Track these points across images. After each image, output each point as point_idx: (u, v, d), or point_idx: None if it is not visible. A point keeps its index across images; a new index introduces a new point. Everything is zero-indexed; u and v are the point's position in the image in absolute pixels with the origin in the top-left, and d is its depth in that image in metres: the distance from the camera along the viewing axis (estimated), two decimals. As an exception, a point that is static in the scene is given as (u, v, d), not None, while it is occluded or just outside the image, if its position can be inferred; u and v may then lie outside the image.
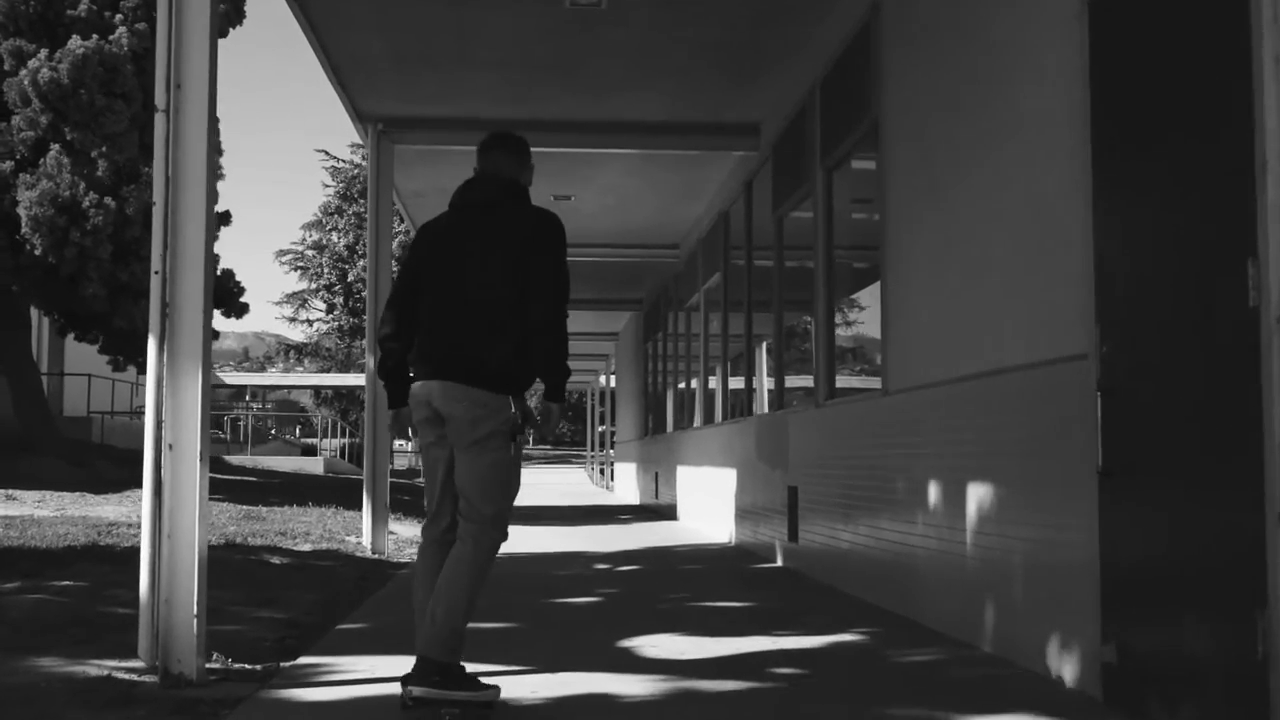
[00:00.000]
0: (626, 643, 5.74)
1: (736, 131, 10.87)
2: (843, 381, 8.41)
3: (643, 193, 13.54)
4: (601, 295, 22.00)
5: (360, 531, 11.18)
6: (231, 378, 47.84)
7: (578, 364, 35.70)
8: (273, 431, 45.86)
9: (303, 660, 5.29)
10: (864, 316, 8.21)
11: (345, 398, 71.81)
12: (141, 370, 19.17)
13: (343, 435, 46.24)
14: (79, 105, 14.53)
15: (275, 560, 9.18)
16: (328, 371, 56.51)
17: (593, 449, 43.62)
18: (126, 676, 4.65)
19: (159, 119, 4.66)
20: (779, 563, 9.63)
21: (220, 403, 52.14)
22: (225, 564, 8.71)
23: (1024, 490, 4.95)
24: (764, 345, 11.33)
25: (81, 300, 15.72)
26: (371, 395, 10.58)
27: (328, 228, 53.25)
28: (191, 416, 4.61)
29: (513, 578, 8.84)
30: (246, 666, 5.13)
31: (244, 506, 15.07)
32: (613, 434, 33.84)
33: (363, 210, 54.34)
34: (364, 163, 51.51)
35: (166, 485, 4.59)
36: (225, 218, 20.15)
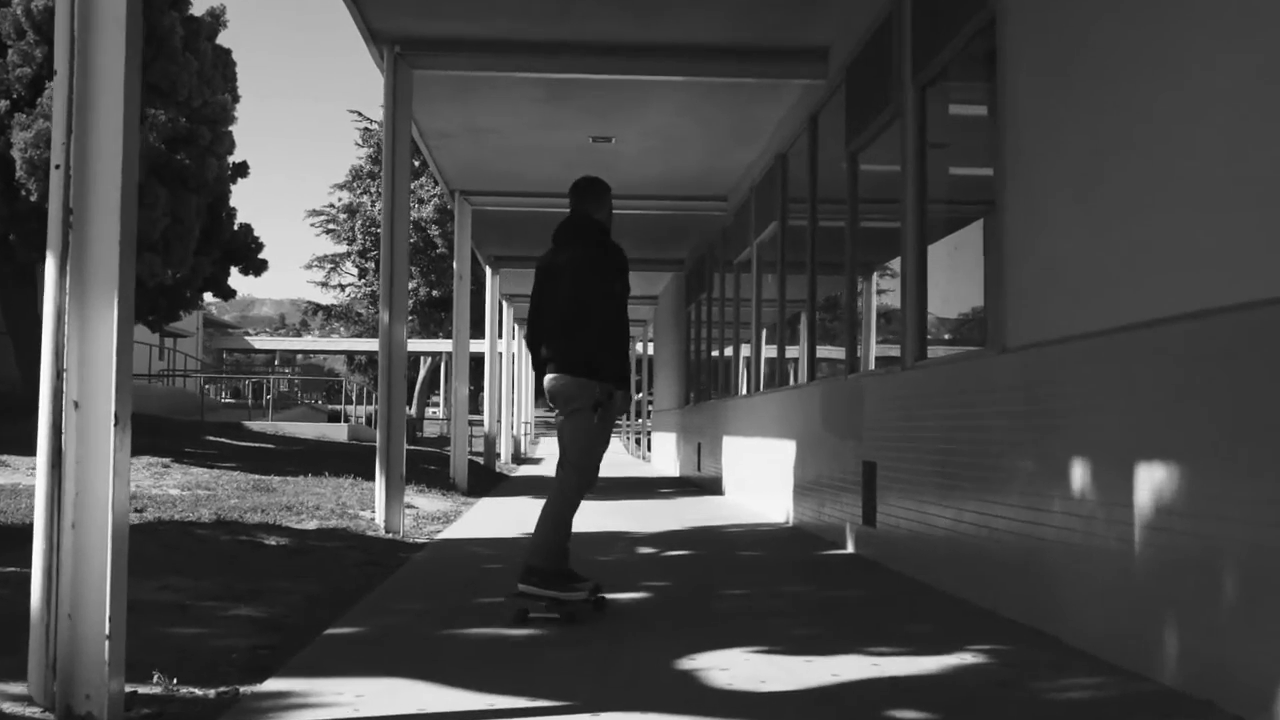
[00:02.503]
0: (688, 663, 4.48)
1: (801, 57, 9.52)
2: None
3: (691, 135, 12.21)
4: (641, 255, 20.66)
5: (376, 506, 9.98)
6: (260, 342, 46.89)
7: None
8: (302, 397, 44.84)
9: (270, 685, 4.07)
10: (943, 270, 6.91)
11: (379, 364, 71.02)
12: (153, 328, 18.08)
13: (372, 402, 45.27)
14: (75, 37, 13.31)
15: (271, 541, 7.99)
16: (360, 337, 55.53)
17: (628, 418, 42.55)
18: (12, 711, 3.44)
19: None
20: (849, 549, 8.36)
21: (243, 368, 51.34)
22: (209, 547, 7.52)
23: (1233, 468, 3.64)
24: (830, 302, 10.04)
25: (83, 252, 14.58)
26: (385, 358, 9.35)
27: (359, 191, 51.97)
28: (105, 366, 3.37)
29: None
30: (195, 693, 3.92)
31: (255, 476, 13.94)
32: (649, 402, 32.57)
33: (395, 173, 53.25)
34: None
35: (69, 457, 3.35)
36: (242, 169, 18.99)
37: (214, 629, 5.14)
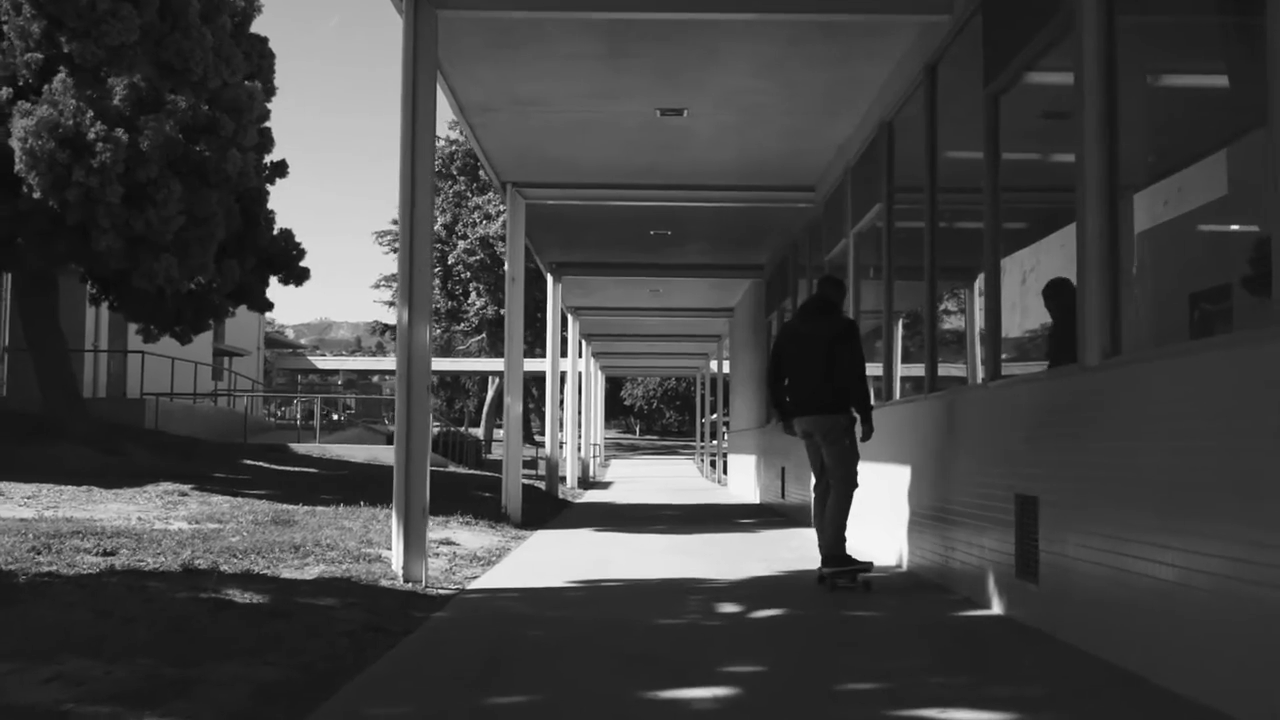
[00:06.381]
0: None
1: (919, -14, 7.65)
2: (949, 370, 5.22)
3: (773, 104, 10.32)
4: (715, 260, 18.85)
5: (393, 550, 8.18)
6: (324, 362, 45.71)
7: (686, 346, 32.63)
8: (354, 418, 43.36)
9: None
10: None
11: (450, 385, 69.71)
12: (183, 341, 16.52)
13: (440, 425, 43.79)
14: (75, 9, 11.73)
15: (243, 598, 6.22)
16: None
17: (701, 439, 40.69)
18: None
19: None
20: (995, 608, 6.40)
21: (314, 388, 50.15)
22: (155, 610, 5.76)
23: None
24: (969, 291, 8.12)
25: (94, 255, 12.98)
26: (404, 365, 7.58)
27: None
28: None
29: (597, 632, 5.77)
30: None
31: (281, 506, 12.28)
32: (725, 423, 30.64)
33: (462, 189, 52.02)
34: (460, 137, 49.19)
35: None
36: (280, 168, 17.43)
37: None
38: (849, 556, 7.56)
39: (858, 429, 7.69)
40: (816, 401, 7.67)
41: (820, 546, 7.67)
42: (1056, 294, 6.11)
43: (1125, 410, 4.82)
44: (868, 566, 7.58)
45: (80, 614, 5.56)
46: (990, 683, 4.64)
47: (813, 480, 8.11)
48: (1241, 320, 4.48)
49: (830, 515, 7.58)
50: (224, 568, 7.33)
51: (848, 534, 7.59)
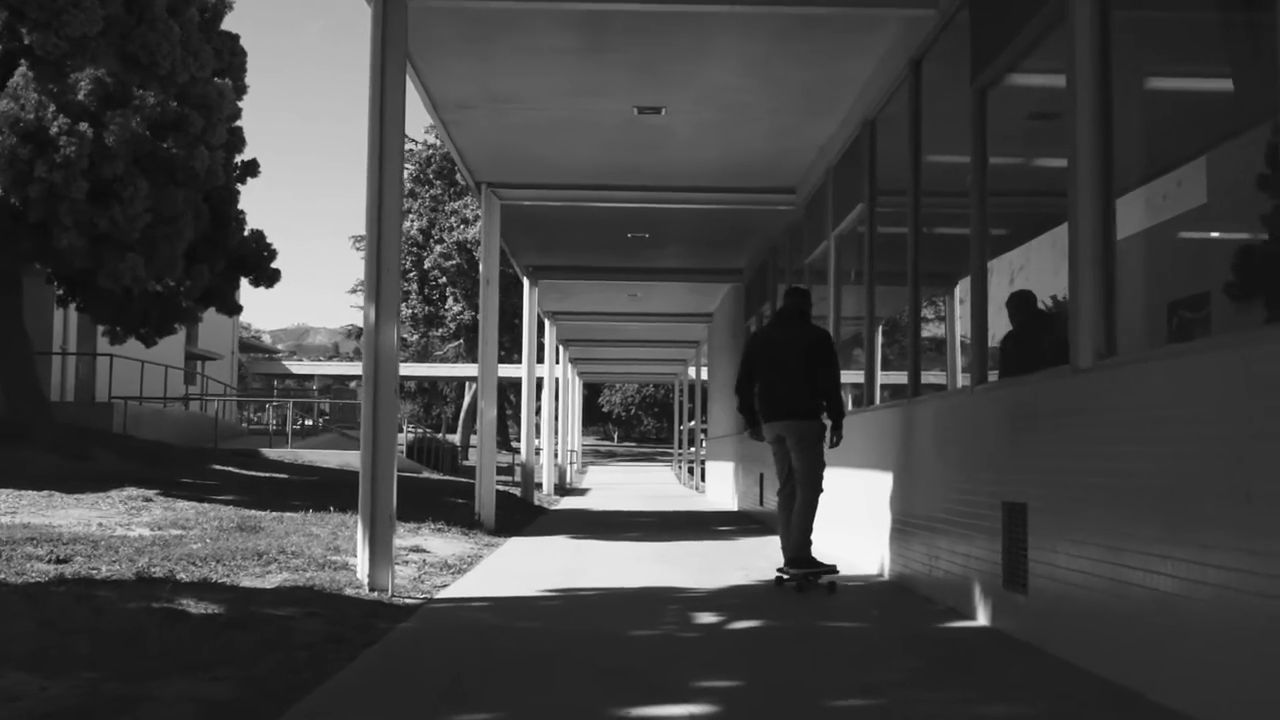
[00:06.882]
0: None
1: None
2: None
3: (754, 102, 10.10)
4: (694, 264, 18.62)
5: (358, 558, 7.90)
6: (299, 367, 45.28)
7: (665, 352, 32.39)
8: (328, 423, 42.84)
9: None
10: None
11: (427, 391, 69.05)
12: (148, 343, 16.16)
13: (415, 430, 43.38)
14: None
15: (198, 608, 5.94)
16: (404, 363, 53.83)
17: (679, 446, 40.45)
18: None
19: None
20: (981, 619, 6.18)
21: (263, 392, 49.52)
22: (105, 620, 5.49)
23: None
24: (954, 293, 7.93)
25: (57, 254, 12.63)
26: (371, 366, 7.31)
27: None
28: None
29: (569, 644, 5.52)
30: None
31: (248, 512, 11.97)
32: (703, 430, 30.40)
33: (439, 192, 51.62)
34: (437, 141, 48.85)
35: None
36: (251, 168, 17.11)
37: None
38: (815, 559, 7.77)
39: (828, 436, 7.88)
40: (791, 408, 7.82)
41: (785, 549, 7.87)
42: (1019, 306, 6.30)
43: (1123, 414, 4.60)
44: (833, 569, 7.73)
45: (22, 625, 5.29)
46: (982, 699, 4.42)
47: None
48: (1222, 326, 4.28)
49: (798, 519, 7.75)
50: (181, 576, 7.05)
51: (813, 537, 7.80)
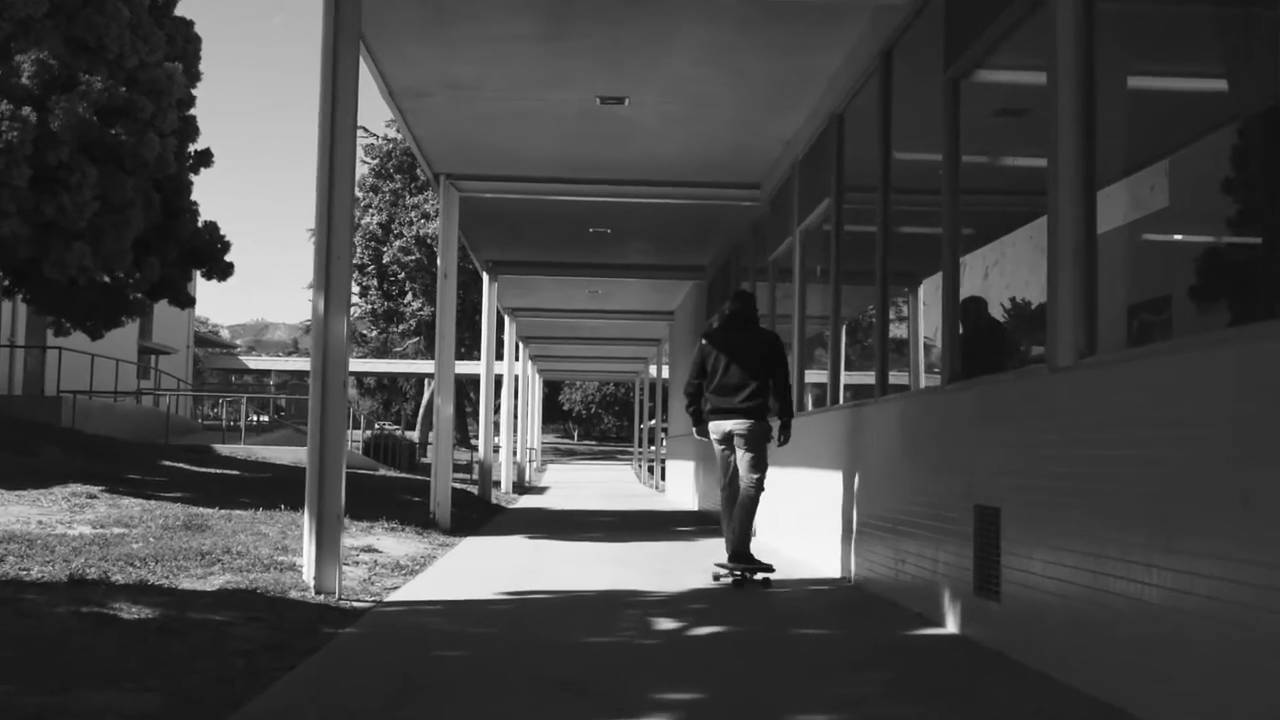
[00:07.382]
0: None
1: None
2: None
3: (720, 95, 9.87)
4: (656, 260, 18.38)
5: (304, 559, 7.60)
6: (256, 362, 44.66)
7: (626, 349, 32.11)
8: (285, 418, 42.28)
9: None
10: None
11: (387, 388, 68.43)
12: (93, 336, 15.71)
13: (373, 427, 42.90)
14: (-27, -22, 10.98)
15: (130, 613, 5.63)
16: (363, 359, 53.28)
17: (639, 445, 40.23)
18: None
19: None
20: (950, 627, 5.98)
21: (220, 387, 48.89)
22: (29, 625, 5.17)
23: None
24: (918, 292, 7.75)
25: (0, 242, 12.21)
26: (319, 359, 7.02)
27: (361, 204, 49.72)
28: None
29: (523, 652, 5.26)
30: None
31: (196, 509, 11.59)
32: (664, 428, 30.18)
33: (399, 187, 51.12)
34: (398, 135, 48.35)
35: None
36: (205, 158, 16.69)
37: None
38: (753, 556, 8.07)
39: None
40: (743, 408, 8.05)
41: (728, 545, 8.12)
42: (971, 311, 6.31)
43: (1105, 414, 4.39)
44: (770, 568, 8.03)
45: (-60, 631, 4.96)
46: (955, 713, 4.20)
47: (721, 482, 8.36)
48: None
49: (742, 516, 8.05)
50: (117, 578, 6.72)
51: (753, 534, 8.21)
